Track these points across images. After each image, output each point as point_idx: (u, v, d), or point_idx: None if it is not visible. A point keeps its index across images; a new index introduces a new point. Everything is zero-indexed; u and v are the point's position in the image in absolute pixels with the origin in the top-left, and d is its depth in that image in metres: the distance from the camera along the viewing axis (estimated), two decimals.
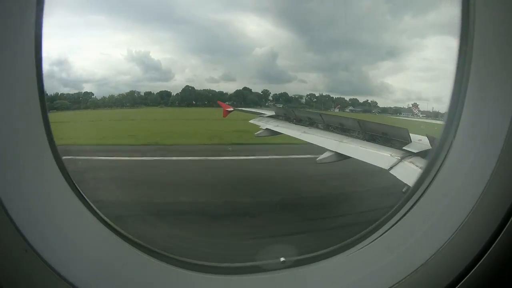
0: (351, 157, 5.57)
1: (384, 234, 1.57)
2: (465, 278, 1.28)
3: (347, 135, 6.32)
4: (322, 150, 6.26)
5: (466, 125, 1.42)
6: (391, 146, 5.12)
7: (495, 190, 1.27)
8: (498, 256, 1.24)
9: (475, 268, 1.26)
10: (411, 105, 22.20)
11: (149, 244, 1.59)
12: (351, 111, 22.39)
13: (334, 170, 7.78)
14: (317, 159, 6.06)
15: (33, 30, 1.29)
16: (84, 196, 1.51)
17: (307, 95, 23.23)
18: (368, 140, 5.75)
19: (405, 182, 3.84)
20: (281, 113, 10.21)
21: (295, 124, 8.68)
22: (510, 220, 1.21)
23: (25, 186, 1.32)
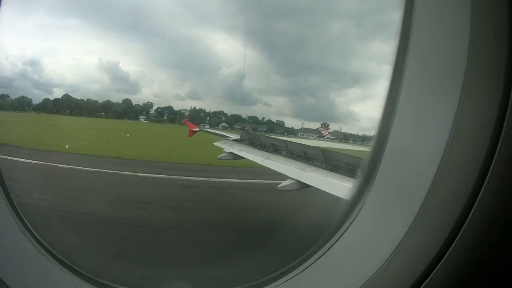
0: (311, 186, 5.35)
1: (319, 259, 1.52)
2: None
3: (309, 164, 6.14)
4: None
5: (402, 124, 1.36)
6: (353, 177, 4.96)
7: (441, 192, 1.20)
8: (455, 260, 1.16)
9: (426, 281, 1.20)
10: (319, 126, 23.39)
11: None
12: (223, 127, 22.72)
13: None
14: (278, 186, 5.80)
15: None
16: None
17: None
18: (330, 170, 5.58)
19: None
20: (246, 138, 10.08)
21: (259, 149, 8.52)
22: (456, 239, 1.14)
23: None
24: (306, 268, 1.53)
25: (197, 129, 14.65)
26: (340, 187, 4.81)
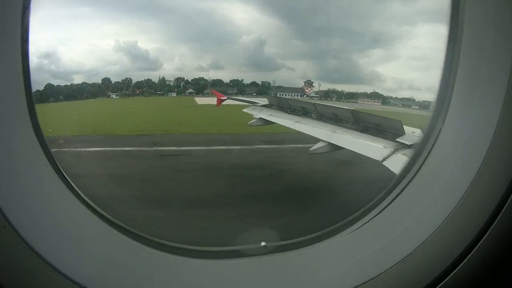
0: (344, 148, 5.55)
1: (369, 222, 1.55)
2: (453, 272, 1.26)
3: (340, 126, 6.29)
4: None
5: (454, 115, 1.41)
6: (384, 138, 5.11)
7: (484, 182, 1.25)
8: (487, 250, 1.23)
9: (463, 261, 1.25)
10: (303, 84, 22.16)
11: (140, 231, 1.58)
12: (190, 93, 22.43)
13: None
14: (310, 149, 6.04)
15: (19, 25, 1.27)
16: (76, 188, 1.49)
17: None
18: (361, 131, 5.72)
19: (397, 174, 3.82)
20: (274, 102, 10.19)
21: (289, 113, 8.66)
22: (500, 214, 1.20)
23: (16, 182, 1.32)
24: (358, 228, 1.55)
25: (225, 97, 14.77)
26: (370, 147, 5.00)
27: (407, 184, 1.52)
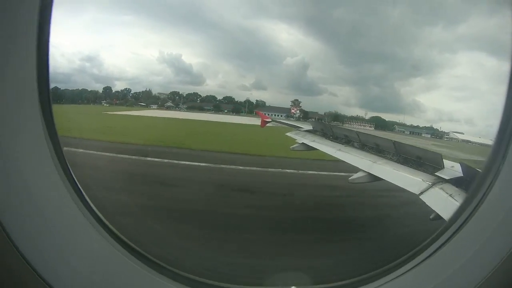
0: (383, 179, 5.69)
1: (420, 264, 1.49)
2: None
3: (381, 156, 6.43)
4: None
5: None
6: (423, 171, 5.20)
7: None
8: None
9: None
10: (290, 103, 21.24)
11: (151, 253, 1.51)
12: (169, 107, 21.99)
13: None
14: (349, 178, 6.22)
15: (36, 29, 1.26)
16: (87, 199, 1.43)
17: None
18: (401, 163, 5.84)
19: (433, 209, 3.97)
20: (318, 128, 10.42)
21: (331, 141, 8.86)
22: None
23: (16, 185, 1.26)
24: (407, 271, 1.50)
25: (270, 120, 15.19)
26: (409, 180, 5.11)
27: (460, 227, 1.47)
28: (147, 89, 23.78)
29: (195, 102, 23.43)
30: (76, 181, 1.40)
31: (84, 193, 1.42)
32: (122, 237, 1.47)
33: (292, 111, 21.88)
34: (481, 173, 1.51)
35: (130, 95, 22.73)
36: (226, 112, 23.23)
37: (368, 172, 5.96)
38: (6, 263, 1.20)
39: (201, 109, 23.03)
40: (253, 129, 17.50)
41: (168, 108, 22.46)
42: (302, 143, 9.80)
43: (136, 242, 1.50)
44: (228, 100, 23.66)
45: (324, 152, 8.48)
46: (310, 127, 11.12)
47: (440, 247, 1.48)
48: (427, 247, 1.52)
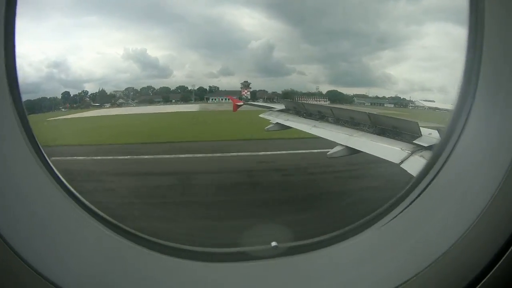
0: (361, 151, 5.62)
1: (387, 225, 1.47)
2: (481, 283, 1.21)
3: (357, 129, 6.35)
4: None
5: (476, 117, 1.36)
6: (401, 140, 5.15)
7: (509, 190, 1.21)
8: None
9: (490, 272, 1.19)
10: (240, 86, 21.56)
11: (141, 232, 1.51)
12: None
13: None
14: (328, 153, 6.13)
15: (2, 41, 1.26)
16: (72, 189, 1.43)
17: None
18: (378, 134, 5.78)
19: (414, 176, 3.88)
20: (291, 107, 10.25)
21: (305, 118, 8.73)
22: None
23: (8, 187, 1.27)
24: (376, 230, 1.48)
25: (242, 103, 14.90)
26: (388, 150, 5.05)
27: (426, 188, 1.45)
28: (100, 89, 22.68)
29: (148, 95, 22.96)
30: (60, 176, 1.43)
31: (69, 186, 1.43)
32: (112, 220, 1.50)
33: (243, 93, 21.80)
34: (447, 127, 1.48)
35: (87, 97, 21.90)
36: (174, 102, 22.97)
37: (346, 146, 5.87)
38: (3, 264, 1.21)
39: (151, 102, 22.66)
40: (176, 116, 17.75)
41: (119, 105, 21.86)
42: (277, 123, 9.63)
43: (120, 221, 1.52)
44: (201, 90, 23.33)
45: (300, 130, 8.29)
46: (282, 107, 10.94)
47: (410, 203, 1.47)
48: (398, 204, 1.50)
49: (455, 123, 1.42)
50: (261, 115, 11.22)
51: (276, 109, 10.91)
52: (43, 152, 1.39)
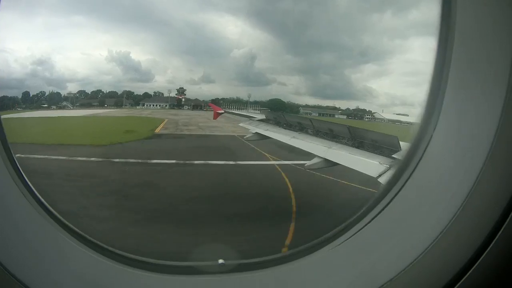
0: (339, 164, 5.47)
1: (360, 232, 1.47)
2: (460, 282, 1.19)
3: (336, 141, 6.23)
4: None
5: (446, 121, 1.35)
6: (380, 154, 5.03)
7: (484, 190, 1.20)
8: (496, 257, 1.16)
9: (470, 271, 1.18)
10: (175, 92, 23.17)
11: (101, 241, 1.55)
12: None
13: None
14: (306, 164, 5.96)
15: None
16: (39, 197, 1.47)
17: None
18: (357, 147, 5.66)
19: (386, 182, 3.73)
20: (271, 117, 10.18)
21: (285, 128, 8.63)
22: (507, 219, 1.14)
23: None
24: (348, 238, 1.48)
25: (222, 111, 14.77)
26: (366, 163, 4.91)
27: (397, 193, 1.45)
28: (53, 91, 23.41)
29: (95, 99, 23.45)
30: (29, 182, 1.44)
31: (37, 193, 1.45)
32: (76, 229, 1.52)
33: (179, 97, 22.62)
34: (413, 141, 1.46)
35: (44, 97, 22.41)
36: (107, 106, 23.61)
37: (324, 158, 5.71)
38: None
39: (89, 106, 23.14)
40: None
41: (63, 107, 22.40)
42: (256, 132, 9.54)
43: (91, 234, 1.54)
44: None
45: (278, 140, 8.15)
46: (263, 117, 10.85)
47: (375, 216, 1.46)
48: (362, 218, 1.50)
49: (425, 125, 1.42)
50: (240, 124, 11.13)
51: (256, 119, 10.83)
52: (16, 161, 1.43)
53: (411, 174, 1.42)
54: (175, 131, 19.21)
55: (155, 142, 16.20)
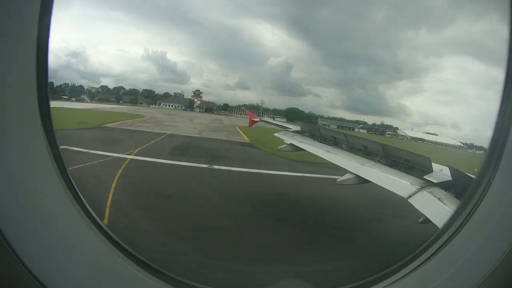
0: (370, 181, 5.62)
1: (418, 268, 1.47)
2: None
3: (369, 159, 6.38)
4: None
5: (508, 165, 1.33)
6: (412, 174, 5.15)
7: None
8: None
9: None
10: (191, 94, 22.22)
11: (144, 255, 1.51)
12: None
13: None
14: (337, 180, 6.14)
15: (36, 28, 1.27)
16: (83, 200, 1.42)
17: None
18: (389, 166, 5.78)
19: (422, 212, 3.90)
20: (306, 129, 10.35)
21: (320, 142, 8.82)
22: None
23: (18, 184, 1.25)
24: (403, 276, 1.48)
25: (258, 119, 15.04)
26: (397, 183, 5.04)
27: (454, 233, 1.45)
28: (73, 84, 23.99)
29: (115, 94, 23.73)
30: (72, 180, 1.39)
31: (80, 194, 1.41)
32: (116, 237, 1.47)
33: (196, 100, 22.69)
34: (475, 178, 1.50)
35: (67, 89, 23.04)
36: (122, 102, 23.68)
37: (356, 174, 5.89)
38: (2, 264, 1.19)
39: (107, 101, 23.39)
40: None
41: (81, 100, 22.88)
42: (290, 143, 9.73)
43: (129, 243, 1.51)
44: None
45: (312, 153, 8.36)
46: (298, 128, 11.05)
47: (436, 251, 1.47)
48: (424, 251, 1.50)
49: (490, 159, 1.40)
50: (275, 134, 11.38)
51: (291, 130, 11.04)
52: (61, 157, 1.37)
53: (477, 207, 1.42)
54: (129, 127, 19.03)
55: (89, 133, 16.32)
